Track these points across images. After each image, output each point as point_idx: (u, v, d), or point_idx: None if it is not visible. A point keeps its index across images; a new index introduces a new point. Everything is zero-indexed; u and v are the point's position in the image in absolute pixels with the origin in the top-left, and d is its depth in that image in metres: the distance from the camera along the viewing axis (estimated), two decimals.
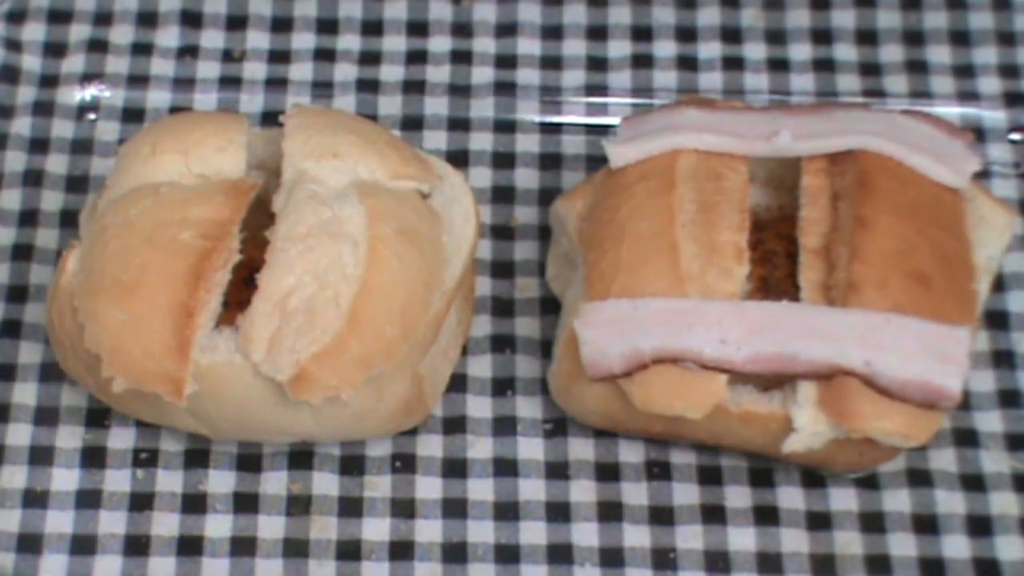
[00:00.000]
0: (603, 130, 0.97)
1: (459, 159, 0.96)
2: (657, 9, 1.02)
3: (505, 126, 0.98)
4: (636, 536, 0.85)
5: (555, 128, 0.98)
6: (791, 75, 0.99)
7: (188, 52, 1.00)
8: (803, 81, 0.99)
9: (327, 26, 1.01)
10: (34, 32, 1.01)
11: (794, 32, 1.01)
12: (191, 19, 1.01)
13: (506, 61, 1.00)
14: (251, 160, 0.86)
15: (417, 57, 1.00)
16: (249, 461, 0.87)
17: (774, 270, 0.84)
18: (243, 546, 0.84)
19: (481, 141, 0.97)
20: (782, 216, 0.87)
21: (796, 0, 1.02)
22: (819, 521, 0.85)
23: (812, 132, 0.84)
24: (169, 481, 0.86)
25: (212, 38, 1.01)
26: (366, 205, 0.81)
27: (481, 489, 0.86)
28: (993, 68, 0.99)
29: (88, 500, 0.86)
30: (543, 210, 0.94)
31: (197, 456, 0.87)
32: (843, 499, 0.85)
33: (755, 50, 1.00)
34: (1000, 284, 0.91)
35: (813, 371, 0.78)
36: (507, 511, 0.85)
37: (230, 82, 0.99)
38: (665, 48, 1.00)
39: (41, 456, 0.87)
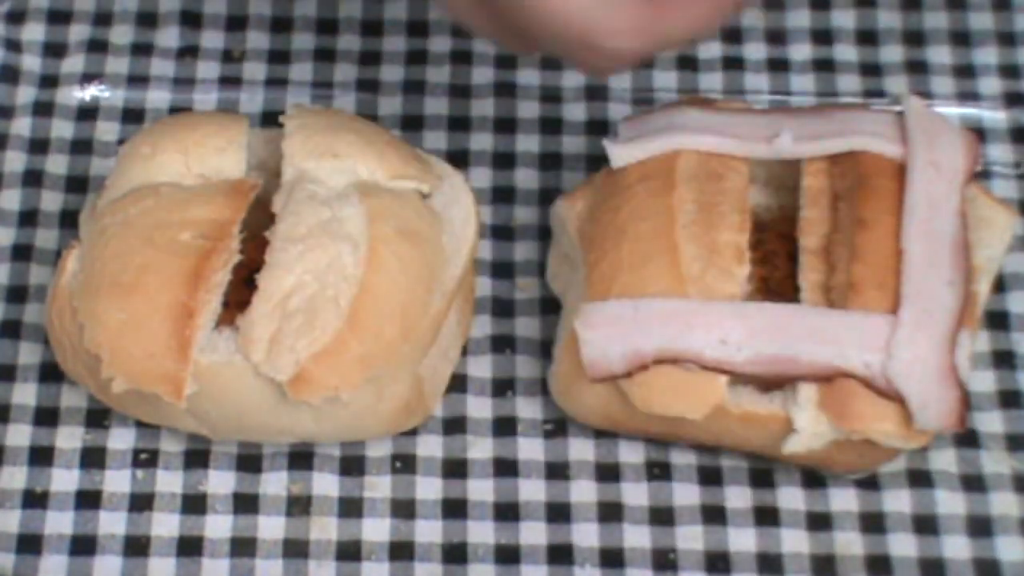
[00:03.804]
0: (603, 130, 0.97)
1: (459, 159, 0.95)
2: None
3: (505, 126, 0.98)
4: (636, 536, 0.84)
5: (555, 128, 0.98)
6: (791, 75, 0.99)
7: (188, 52, 1.00)
8: (803, 81, 0.99)
9: (327, 26, 1.01)
10: (34, 32, 1.01)
11: (794, 32, 1.01)
12: (191, 19, 1.01)
13: (506, 61, 1.00)
14: (251, 160, 0.86)
15: (417, 57, 1.00)
16: (249, 461, 0.87)
17: (774, 271, 0.84)
18: (243, 546, 0.84)
19: (481, 141, 0.97)
20: (782, 216, 0.87)
21: (796, 0, 1.02)
22: (819, 522, 0.85)
23: (812, 133, 0.84)
24: (169, 481, 0.86)
25: (212, 38, 1.01)
26: (366, 205, 0.81)
27: (481, 489, 0.86)
28: (993, 68, 0.99)
29: (88, 500, 0.85)
30: (543, 210, 0.94)
31: (197, 456, 0.87)
32: (843, 499, 0.85)
33: (755, 50, 1.00)
34: (1000, 284, 0.91)
35: (813, 373, 0.78)
36: (507, 511, 0.85)
37: (230, 82, 0.99)
38: None
39: (41, 456, 0.87)
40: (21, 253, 0.93)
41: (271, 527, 0.85)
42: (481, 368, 0.90)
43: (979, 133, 0.95)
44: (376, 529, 0.85)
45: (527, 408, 0.88)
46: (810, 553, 0.84)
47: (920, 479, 0.86)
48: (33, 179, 0.96)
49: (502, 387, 0.89)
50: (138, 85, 0.99)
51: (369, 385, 0.80)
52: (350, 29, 1.01)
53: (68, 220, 0.94)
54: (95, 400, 0.87)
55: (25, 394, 0.89)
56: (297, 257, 0.79)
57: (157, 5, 1.02)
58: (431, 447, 0.87)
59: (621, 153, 0.85)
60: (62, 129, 0.98)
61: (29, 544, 0.84)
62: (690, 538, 0.84)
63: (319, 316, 0.79)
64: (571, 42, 0.70)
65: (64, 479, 0.86)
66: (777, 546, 0.84)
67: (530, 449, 0.87)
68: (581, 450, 0.87)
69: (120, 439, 0.87)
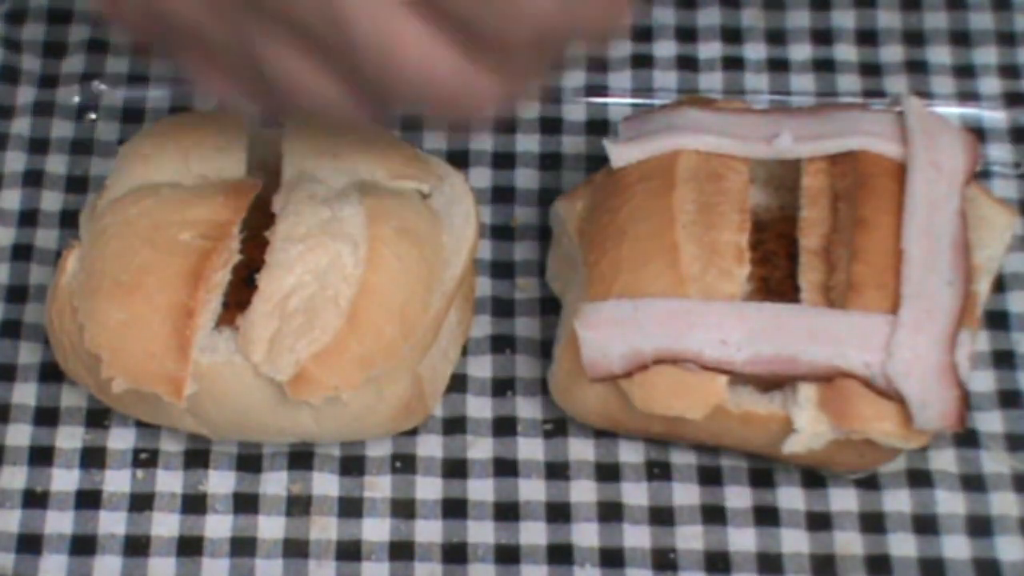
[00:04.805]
0: (603, 130, 0.97)
1: (459, 159, 0.95)
2: (657, 9, 1.02)
3: (505, 126, 0.98)
4: (636, 536, 0.84)
5: (555, 128, 0.98)
6: (791, 75, 0.99)
7: None
8: (803, 81, 0.99)
9: None
10: (34, 32, 1.01)
11: (794, 32, 1.01)
12: None
13: None
14: (251, 160, 0.86)
15: None
16: (249, 461, 0.87)
17: (774, 271, 0.84)
18: (243, 546, 0.84)
19: (481, 141, 0.97)
20: (782, 216, 0.87)
21: (796, 0, 1.02)
22: (819, 521, 0.85)
23: (812, 133, 0.84)
24: (169, 481, 0.86)
25: None
26: (366, 205, 0.81)
27: (481, 489, 0.86)
28: (993, 68, 0.99)
29: (88, 500, 0.86)
30: (543, 210, 0.94)
31: (197, 456, 0.87)
32: (843, 499, 0.85)
33: (755, 50, 1.00)
34: (1000, 284, 0.91)
35: (813, 373, 0.78)
36: (507, 511, 0.85)
37: None
38: (665, 48, 1.00)
39: (41, 456, 0.87)
40: (21, 253, 0.93)
41: (271, 527, 0.85)
42: (481, 368, 0.90)
43: (979, 133, 0.95)
44: (376, 529, 0.85)
45: (527, 408, 0.88)
46: (810, 553, 0.84)
47: (920, 479, 0.86)
48: (33, 179, 0.96)
49: (502, 387, 0.89)
50: (138, 85, 0.99)
51: (369, 385, 0.80)
52: None
53: (68, 220, 0.94)
54: (95, 400, 0.87)
55: (25, 394, 0.89)
56: (297, 257, 0.79)
57: None
58: (431, 447, 0.87)
59: (621, 153, 0.85)
60: (62, 129, 0.98)
61: (29, 544, 0.84)
62: (690, 538, 0.84)
63: (319, 316, 0.79)
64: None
65: (64, 479, 0.86)
66: (777, 546, 0.84)
67: (530, 449, 0.87)
68: (581, 450, 0.87)
69: (120, 439, 0.87)
